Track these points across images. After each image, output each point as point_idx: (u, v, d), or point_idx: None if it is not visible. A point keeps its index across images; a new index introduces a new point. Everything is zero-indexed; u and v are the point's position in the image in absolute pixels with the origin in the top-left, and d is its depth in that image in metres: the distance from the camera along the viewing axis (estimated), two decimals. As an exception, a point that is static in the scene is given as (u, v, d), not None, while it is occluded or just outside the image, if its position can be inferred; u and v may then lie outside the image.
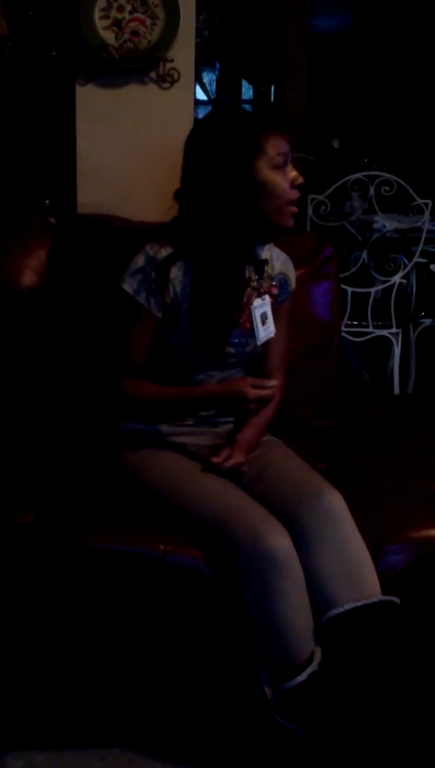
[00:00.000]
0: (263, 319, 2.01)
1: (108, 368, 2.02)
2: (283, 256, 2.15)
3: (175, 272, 1.94)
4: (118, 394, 2.00)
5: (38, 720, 1.96)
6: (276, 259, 2.12)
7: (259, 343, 2.03)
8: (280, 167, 1.91)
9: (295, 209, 1.96)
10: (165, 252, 1.94)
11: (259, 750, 1.83)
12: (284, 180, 1.92)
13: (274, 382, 1.94)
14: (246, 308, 2.00)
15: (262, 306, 2.01)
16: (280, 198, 1.92)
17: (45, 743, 1.94)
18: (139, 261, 1.96)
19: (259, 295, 2.02)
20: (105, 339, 2.06)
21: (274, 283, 2.08)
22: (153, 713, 1.96)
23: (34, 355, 2.35)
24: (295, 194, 1.94)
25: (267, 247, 2.08)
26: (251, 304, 2.00)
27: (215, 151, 1.90)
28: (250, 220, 1.93)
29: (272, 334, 2.05)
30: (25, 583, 1.85)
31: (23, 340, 2.36)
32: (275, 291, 2.08)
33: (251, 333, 2.01)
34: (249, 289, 2.01)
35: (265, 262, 2.06)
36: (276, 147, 1.90)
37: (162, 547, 1.83)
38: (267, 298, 2.03)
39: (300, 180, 1.95)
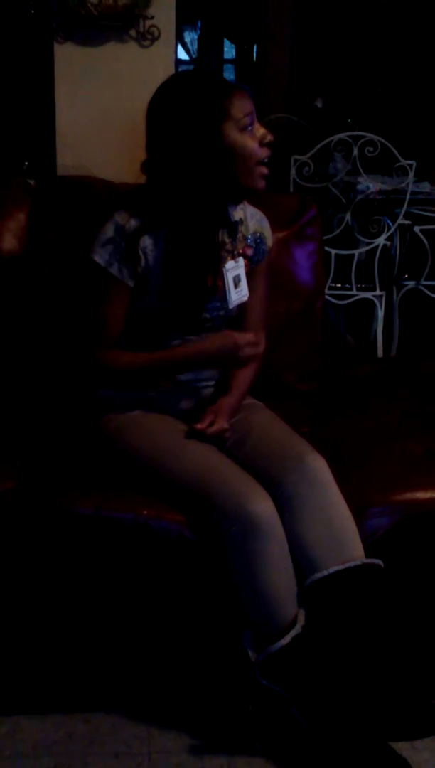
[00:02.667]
0: (236, 282, 1.98)
1: (84, 340, 1.99)
2: (258, 214, 2.12)
3: (147, 241, 1.92)
4: (97, 366, 1.98)
5: (22, 685, 1.96)
6: (250, 218, 2.09)
7: (230, 306, 2.00)
8: (247, 128, 1.87)
9: (265, 170, 1.92)
10: (134, 222, 1.91)
11: (243, 712, 1.84)
12: (253, 140, 1.88)
13: (251, 335, 1.92)
14: (220, 272, 1.97)
15: (235, 269, 1.99)
16: (250, 159, 1.88)
17: (29, 708, 1.94)
18: (109, 231, 1.93)
19: (233, 257, 2.00)
20: (86, 303, 2.04)
21: (249, 243, 2.06)
22: (137, 677, 1.96)
23: (15, 320, 2.33)
24: (265, 152, 1.90)
25: (240, 206, 2.05)
26: (224, 266, 1.97)
27: (180, 120, 1.85)
28: (222, 186, 1.90)
29: (245, 298, 2.03)
30: (7, 550, 1.84)
31: (3, 304, 2.33)
32: (250, 252, 2.06)
33: (225, 297, 1.99)
34: (223, 252, 1.99)
35: (239, 222, 2.04)
36: (241, 108, 1.86)
37: (145, 512, 1.82)
38: (241, 260, 2.00)
39: (269, 137, 1.90)
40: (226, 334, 1.93)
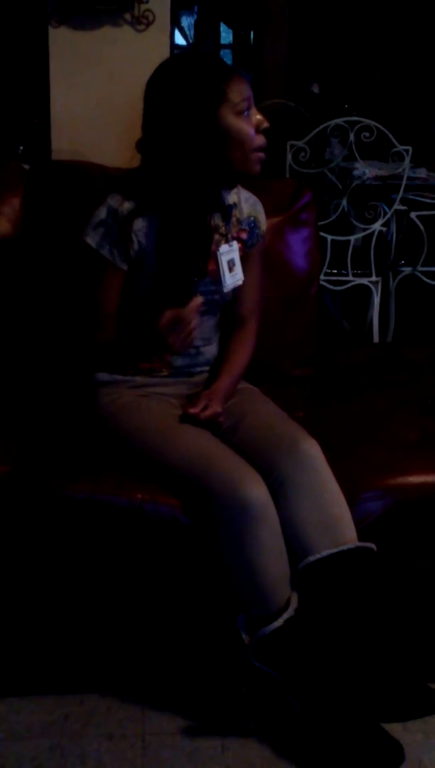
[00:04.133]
0: (231, 266, 1.98)
1: (82, 322, 2.00)
2: (252, 198, 2.12)
3: (140, 224, 1.92)
4: (91, 348, 1.99)
5: (18, 666, 1.97)
6: (244, 202, 2.09)
7: (225, 290, 2.01)
8: (244, 113, 1.87)
9: (262, 155, 1.91)
10: (128, 204, 1.91)
11: (237, 694, 1.85)
12: (249, 126, 1.88)
13: (194, 301, 1.80)
14: (213, 256, 1.97)
15: (229, 252, 1.99)
16: (246, 144, 1.87)
17: (25, 689, 1.96)
18: (101, 213, 1.93)
19: (227, 241, 2.00)
20: (81, 288, 2.04)
21: (243, 227, 2.06)
22: (132, 659, 1.98)
23: (10, 305, 2.33)
24: (260, 139, 1.90)
25: (234, 190, 2.05)
26: (218, 250, 1.97)
27: (177, 101, 1.84)
28: (216, 169, 1.90)
29: (240, 282, 2.03)
30: (1, 534, 1.85)
31: (-2, 289, 2.33)
32: (244, 236, 2.06)
33: (219, 280, 1.99)
34: (217, 236, 1.99)
35: (233, 206, 2.04)
36: (239, 92, 1.85)
37: (139, 496, 1.83)
38: (235, 244, 2.01)
39: (265, 124, 1.90)
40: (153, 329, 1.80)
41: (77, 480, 1.86)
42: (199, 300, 1.82)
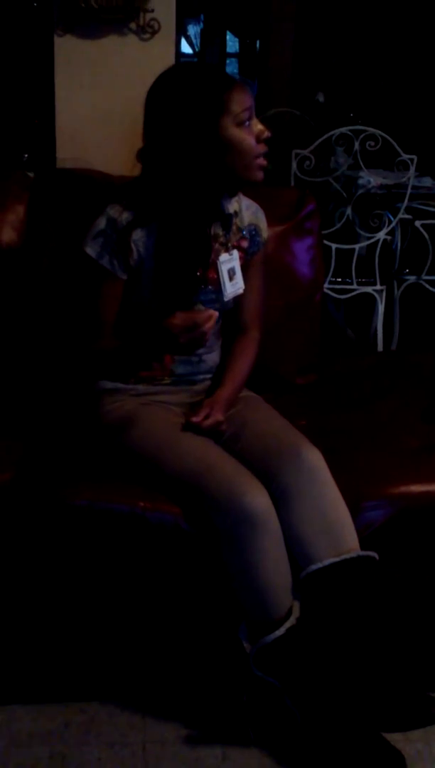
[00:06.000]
0: (231, 275, 1.99)
1: (81, 331, 2.01)
2: (254, 206, 2.12)
3: (139, 233, 1.92)
4: (93, 356, 2.01)
5: (19, 674, 1.97)
6: (245, 210, 2.09)
7: (225, 299, 2.01)
8: (245, 123, 1.87)
9: (263, 162, 1.92)
10: (127, 215, 1.92)
11: (238, 702, 1.85)
12: (250, 136, 1.88)
13: (208, 312, 1.84)
14: (214, 265, 1.98)
15: (229, 261, 1.99)
16: (247, 155, 1.88)
17: (25, 697, 1.95)
18: (101, 223, 1.94)
19: (227, 250, 2.00)
20: (84, 295, 2.04)
21: (243, 235, 2.06)
22: (133, 667, 1.97)
23: (14, 312, 2.33)
24: (262, 148, 1.90)
25: (235, 198, 2.06)
26: (218, 259, 1.98)
27: (178, 111, 1.85)
28: (216, 179, 1.90)
29: (241, 290, 2.04)
30: (3, 541, 1.85)
31: (2, 296, 2.33)
32: (245, 244, 2.06)
33: (220, 289, 1.99)
34: (217, 245, 1.99)
35: (234, 215, 2.04)
36: (240, 103, 1.86)
37: (141, 503, 1.83)
38: (235, 252, 2.01)
39: (266, 134, 1.90)
40: (166, 321, 1.84)
41: (79, 487, 1.86)
42: (214, 314, 1.83)
